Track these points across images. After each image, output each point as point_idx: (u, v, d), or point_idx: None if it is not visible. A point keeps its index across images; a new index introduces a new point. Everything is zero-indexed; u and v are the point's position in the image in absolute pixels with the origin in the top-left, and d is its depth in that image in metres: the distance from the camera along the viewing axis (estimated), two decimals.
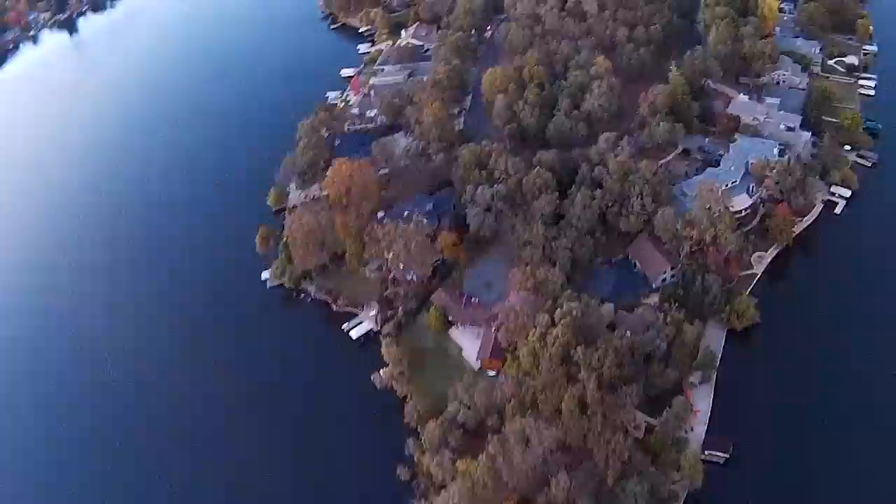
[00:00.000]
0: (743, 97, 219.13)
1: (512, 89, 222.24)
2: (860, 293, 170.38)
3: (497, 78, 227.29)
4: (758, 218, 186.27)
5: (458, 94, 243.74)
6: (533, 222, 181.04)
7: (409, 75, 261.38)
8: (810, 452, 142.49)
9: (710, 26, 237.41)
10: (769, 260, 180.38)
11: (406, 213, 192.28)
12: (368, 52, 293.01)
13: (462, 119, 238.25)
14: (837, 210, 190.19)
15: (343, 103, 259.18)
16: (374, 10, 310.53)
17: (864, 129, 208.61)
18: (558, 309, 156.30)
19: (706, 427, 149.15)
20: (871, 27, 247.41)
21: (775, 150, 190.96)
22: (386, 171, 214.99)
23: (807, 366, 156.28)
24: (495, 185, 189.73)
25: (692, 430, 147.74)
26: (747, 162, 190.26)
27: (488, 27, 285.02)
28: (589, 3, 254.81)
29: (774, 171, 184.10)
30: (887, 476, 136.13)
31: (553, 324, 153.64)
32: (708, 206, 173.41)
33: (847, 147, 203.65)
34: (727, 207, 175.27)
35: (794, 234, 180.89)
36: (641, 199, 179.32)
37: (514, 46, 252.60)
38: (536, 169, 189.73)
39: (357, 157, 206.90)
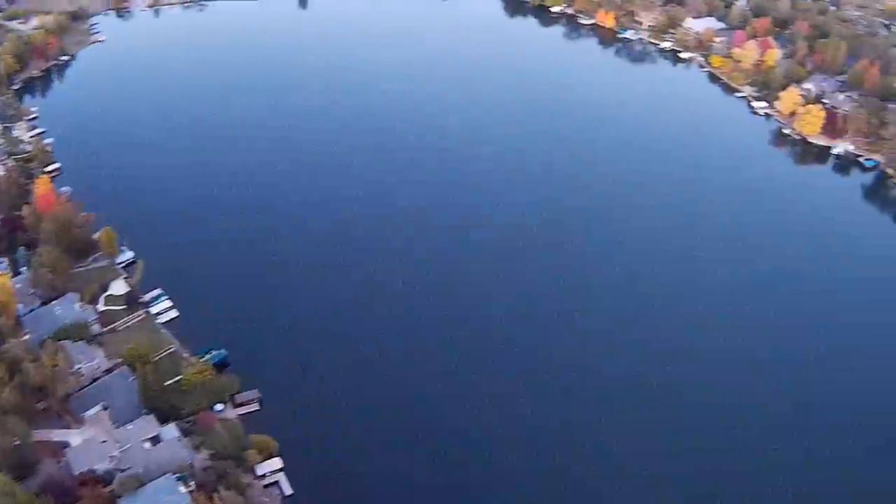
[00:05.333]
0: (86, 433, 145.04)
1: None
2: None
3: None
4: None
5: None
6: None
7: None
8: None
9: None
10: None
11: None
12: None
13: None
14: (287, 489, 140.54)
15: None
16: None
17: (213, 366, 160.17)
18: None
19: None
20: (114, 233, 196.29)
21: (179, 488, 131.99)
22: None
23: None
24: None
25: None
26: None
27: None
28: None
29: None
30: None
31: None
32: None
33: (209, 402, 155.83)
34: None
35: None
36: None
37: None
38: None
39: None
